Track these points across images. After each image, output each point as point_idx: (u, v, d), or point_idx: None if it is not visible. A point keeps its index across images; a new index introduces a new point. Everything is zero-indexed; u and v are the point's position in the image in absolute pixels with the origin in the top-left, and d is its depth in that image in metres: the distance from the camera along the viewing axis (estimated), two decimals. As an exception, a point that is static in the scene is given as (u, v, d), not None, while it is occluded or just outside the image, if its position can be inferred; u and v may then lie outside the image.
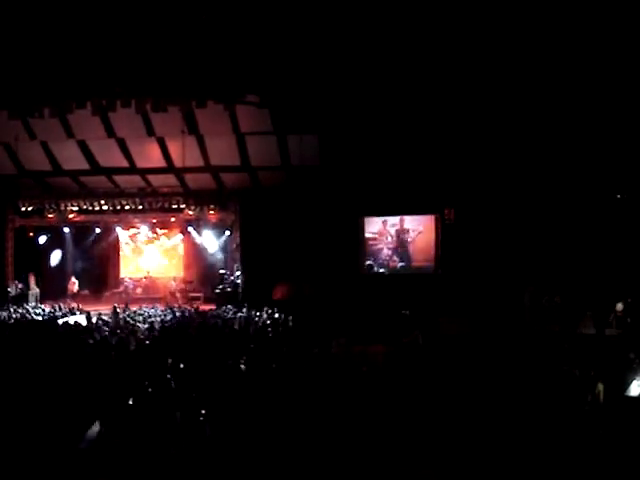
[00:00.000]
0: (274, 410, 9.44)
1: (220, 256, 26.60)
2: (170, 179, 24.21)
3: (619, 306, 17.55)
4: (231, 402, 9.89)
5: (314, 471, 7.85)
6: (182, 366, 11.44)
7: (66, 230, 26.90)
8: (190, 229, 26.57)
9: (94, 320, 18.28)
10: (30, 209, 24.45)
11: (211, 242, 26.54)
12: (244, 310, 19.77)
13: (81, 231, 27.15)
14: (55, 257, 27.51)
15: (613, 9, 14.15)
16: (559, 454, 7.99)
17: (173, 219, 25.14)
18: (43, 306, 22.96)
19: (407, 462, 8.05)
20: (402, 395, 10.21)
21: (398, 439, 8.52)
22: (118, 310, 20.48)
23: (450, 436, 8.62)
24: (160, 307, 21.91)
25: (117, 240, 27.86)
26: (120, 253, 28.11)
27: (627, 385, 9.79)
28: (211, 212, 23.99)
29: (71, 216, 24.48)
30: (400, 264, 24.25)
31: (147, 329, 16.57)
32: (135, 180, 24.39)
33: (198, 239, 26.83)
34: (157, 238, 27.83)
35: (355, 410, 9.41)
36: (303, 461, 7.98)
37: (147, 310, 20.41)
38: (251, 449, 8.37)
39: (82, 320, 18.72)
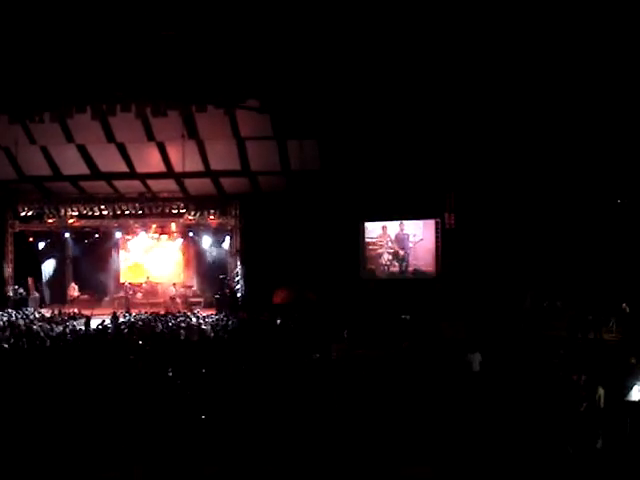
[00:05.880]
0: (273, 414, 9.41)
1: (220, 261, 26.59)
2: (170, 184, 24.20)
3: (624, 306, 17.53)
4: (231, 406, 9.87)
5: (314, 472, 7.84)
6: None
7: (66, 235, 26.87)
8: (190, 234, 26.56)
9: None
10: (30, 214, 24.49)
11: (212, 247, 26.57)
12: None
13: (81, 236, 27.10)
14: (55, 262, 27.48)
15: (613, 9, 14.14)
16: (557, 458, 7.97)
17: (173, 224, 25.12)
18: (43, 311, 23.00)
19: (405, 460, 8.05)
20: (401, 397, 10.19)
21: (397, 439, 8.50)
22: (118, 315, 20.51)
23: (449, 437, 8.60)
24: None
25: (117, 245, 27.83)
26: (120, 258, 28.08)
27: (628, 390, 9.74)
28: (211, 217, 24.01)
29: (71, 221, 24.50)
30: (400, 269, 24.22)
31: None
32: (135, 185, 24.38)
33: (198, 244, 26.84)
34: (157, 243, 27.79)
35: (354, 412, 9.39)
36: (302, 462, 7.97)
37: None
38: (251, 451, 8.36)
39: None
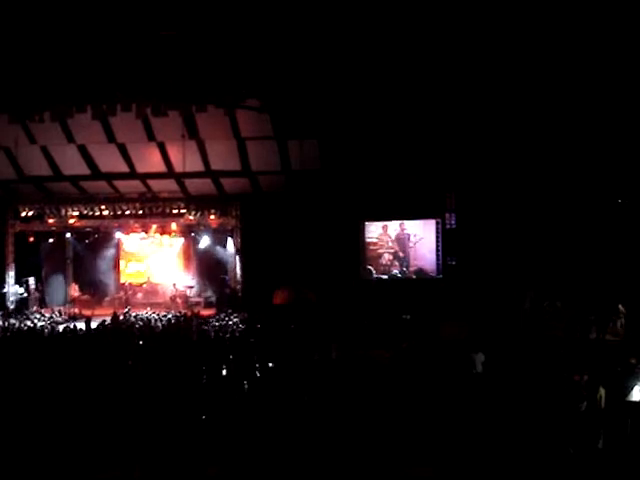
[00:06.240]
0: (274, 414, 9.40)
1: (221, 261, 26.58)
2: (170, 184, 24.17)
3: (621, 308, 17.52)
4: (232, 406, 9.86)
5: (316, 472, 7.83)
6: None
7: (67, 235, 26.87)
8: (191, 234, 26.54)
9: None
10: (30, 214, 24.46)
11: (212, 247, 26.56)
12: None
13: (81, 236, 27.10)
14: (55, 262, 27.44)
15: (613, 9, 14.12)
16: (558, 458, 7.95)
17: (174, 224, 25.11)
18: (43, 311, 23.01)
19: (406, 461, 8.04)
20: (402, 398, 10.17)
21: (397, 439, 8.49)
22: (118, 315, 20.51)
23: (451, 437, 8.59)
24: None
25: (117, 245, 27.83)
26: (120, 258, 28.08)
27: (629, 390, 9.73)
28: (212, 217, 23.99)
29: (71, 221, 24.47)
30: (401, 269, 24.21)
31: None
32: (135, 185, 24.36)
33: (199, 244, 26.82)
34: (157, 243, 27.79)
35: (355, 413, 9.37)
36: (304, 463, 7.96)
37: None
38: (252, 451, 8.35)
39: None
